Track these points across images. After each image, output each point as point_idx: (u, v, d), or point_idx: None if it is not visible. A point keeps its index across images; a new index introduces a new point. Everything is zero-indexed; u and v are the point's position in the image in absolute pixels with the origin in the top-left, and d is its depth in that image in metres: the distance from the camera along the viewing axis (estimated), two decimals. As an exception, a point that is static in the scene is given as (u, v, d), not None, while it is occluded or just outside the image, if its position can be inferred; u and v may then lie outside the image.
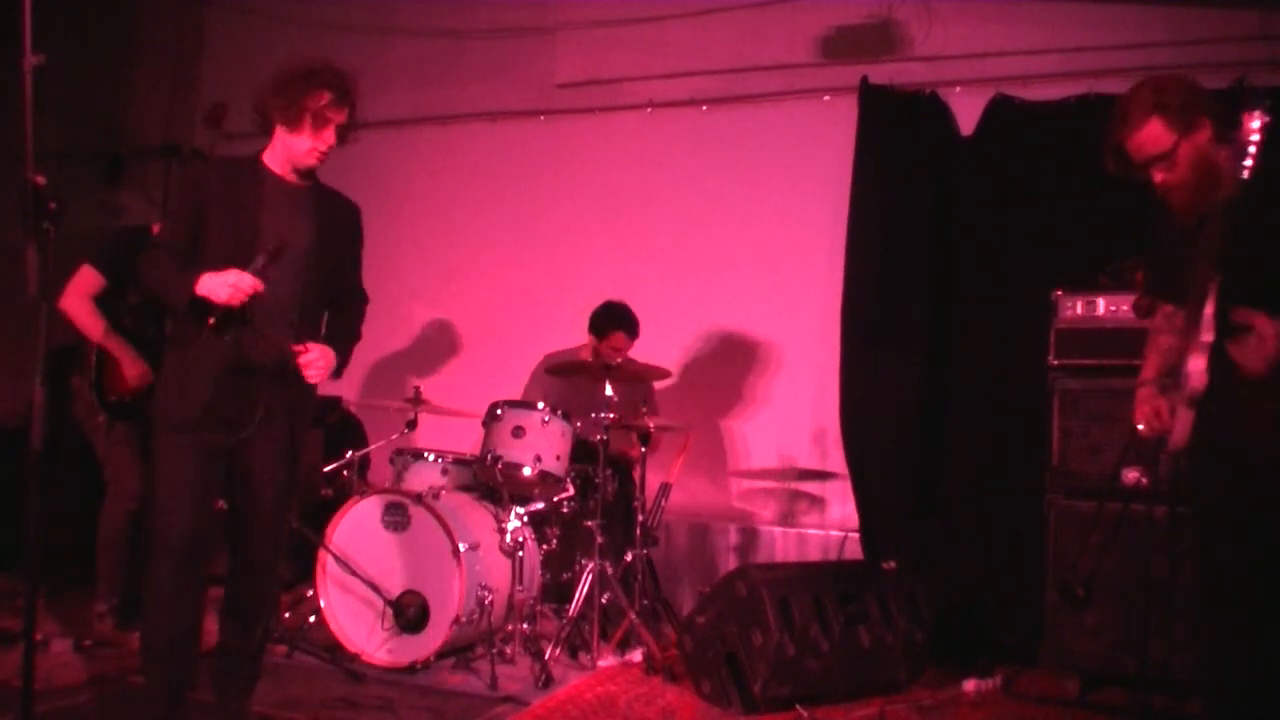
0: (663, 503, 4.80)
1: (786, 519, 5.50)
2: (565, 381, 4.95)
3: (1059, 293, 4.20)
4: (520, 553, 4.23)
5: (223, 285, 2.88)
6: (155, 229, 4.43)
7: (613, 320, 4.99)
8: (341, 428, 5.61)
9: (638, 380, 4.89)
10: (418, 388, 4.76)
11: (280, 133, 3.07)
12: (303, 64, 3.07)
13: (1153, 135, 2.74)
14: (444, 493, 4.32)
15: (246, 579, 3.16)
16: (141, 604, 3.13)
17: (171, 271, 2.98)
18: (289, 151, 3.07)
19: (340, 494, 4.41)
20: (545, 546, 4.51)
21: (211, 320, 2.89)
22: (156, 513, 3.05)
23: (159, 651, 3.03)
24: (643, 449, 4.64)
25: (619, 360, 4.80)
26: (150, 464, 3.13)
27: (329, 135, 3.05)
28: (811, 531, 5.34)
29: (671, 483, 4.92)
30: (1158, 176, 2.76)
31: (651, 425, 4.57)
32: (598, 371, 4.48)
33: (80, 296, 4.14)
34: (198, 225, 3.02)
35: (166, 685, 3.02)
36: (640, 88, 5.78)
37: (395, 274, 6.25)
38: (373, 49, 6.00)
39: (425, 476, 4.52)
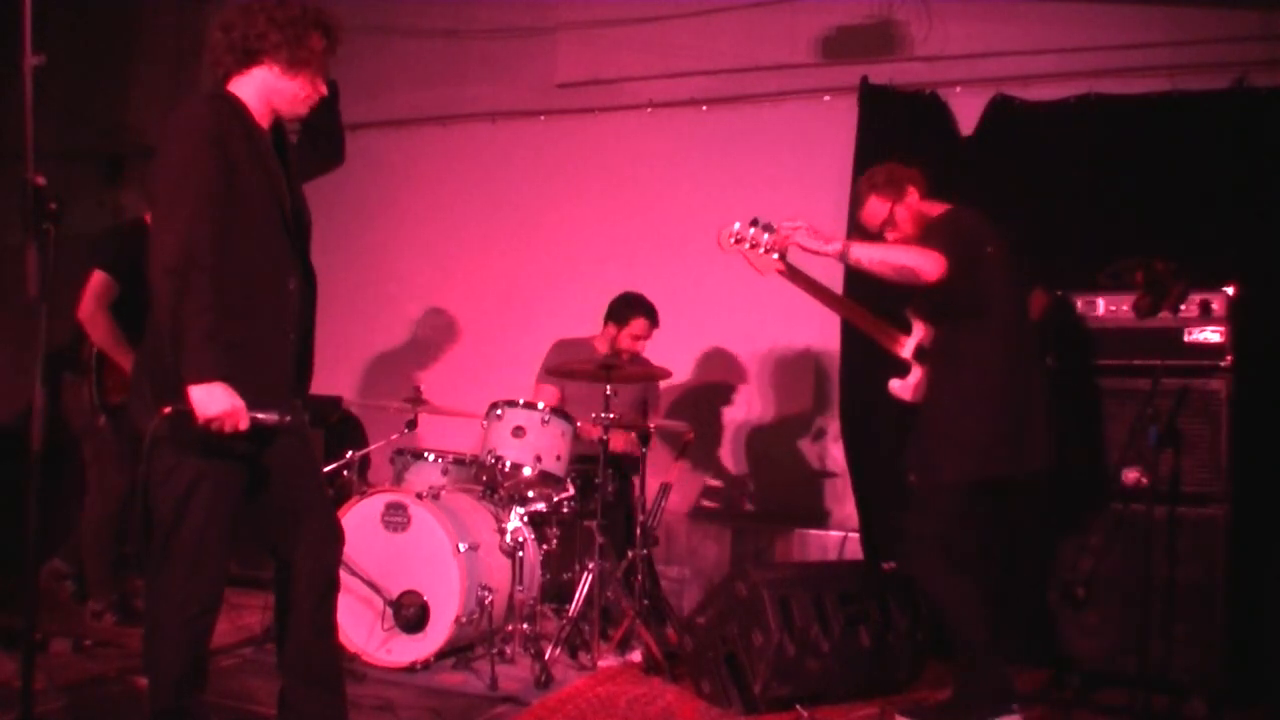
0: (663, 503, 4.80)
1: (787, 519, 5.50)
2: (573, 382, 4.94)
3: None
4: (520, 553, 4.23)
5: (219, 414, 2.45)
6: (148, 218, 4.41)
7: (633, 306, 5.00)
8: (341, 428, 5.61)
9: (641, 381, 4.89)
10: (418, 387, 4.76)
11: (268, 74, 2.65)
12: (295, 1, 2.69)
13: (872, 209, 3.66)
14: (444, 493, 4.32)
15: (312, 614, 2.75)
16: (144, 653, 2.70)
17: (201, 330, 2.43)
18: (277, 97, 2.68)
19: (340, 494, 4.41)
20: (545, 546, 4.51)
21: (168, 409, 2.46)
22: (180, 567, 2.56)
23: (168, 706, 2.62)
24: (643, 450, 4.64)
25: (641, 349, 4.93)
26: (167, 501, 2.58)
27: (322, 85, 2.73)
28: (811, 531, 5.35)
29: (671, 483, 4.91)
30: (890, 238, 3.63)
31: (651, 425, 4.57)
32: (598, 372, 4.48)
33: (97, 306, 4.10)
34: (226, 198, 2.52)
35: None
36: (640, 88, 5.78)
37: (395, 273, 6.27)
38: (373, 49, 6.01)
39: (425, 476, 4.52)
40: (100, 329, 4.11)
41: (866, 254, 3.46)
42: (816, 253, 3.48)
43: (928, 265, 3.35)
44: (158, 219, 2.53)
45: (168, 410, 2.46)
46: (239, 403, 2.48)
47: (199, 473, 2.55)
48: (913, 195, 3.64)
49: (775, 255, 3.58)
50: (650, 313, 5.02)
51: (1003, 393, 3.47)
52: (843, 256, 3.45)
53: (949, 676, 4.01)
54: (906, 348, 3.72)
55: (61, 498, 4.53)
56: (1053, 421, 3.60)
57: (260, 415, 2.53)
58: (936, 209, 3.60)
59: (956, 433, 3.46)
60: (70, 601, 4.22)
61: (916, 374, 3.67)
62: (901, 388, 3.70)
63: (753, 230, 3.58)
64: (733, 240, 3.59)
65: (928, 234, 3.50)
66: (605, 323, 5.09)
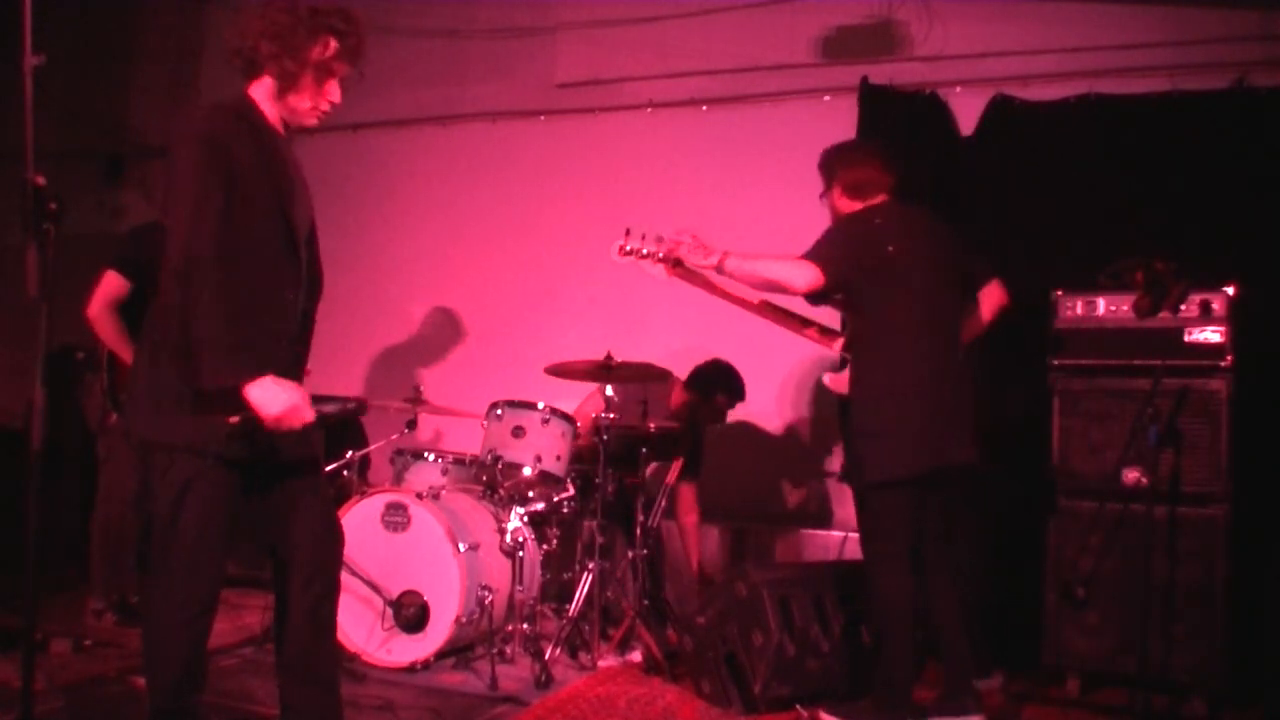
0: (663, 503, 4.80)
1: (787, 519, 5.50)
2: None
3: (1059, 293, 4.19)
4: (520, 553, 4.24)
5: (278, 405, 2.37)
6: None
7: (729, 391, 5.05)
8: (341, 427, 5.61)
9: (643, 381, 4.88)
10: (418, 387, 4.76)
11: (272, 84, 2.61)
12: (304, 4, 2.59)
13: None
14: (444, 493, 4.32)
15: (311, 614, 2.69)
16: (143, 654, 2.66)
17: (219, 337, 2.37)
18: (281, 106, 2.65)
19: (340, 494, 4.41)
20: (545, 546, 4.51)
21: (236, 419, 2.38)
22: (178, 568, 2.52)
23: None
24: (643, 450, 4.64)
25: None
26: (162, 502, 2.53)
27: (334, 91, 2.66)
28: (811, 531, 5.34)
29: (672, 483, 4.91)
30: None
31: (652, 426, 4.57)
32: (598, 372, 4.48)
33: (104, 306, 4.11)
34: (228, 204, 2.46)
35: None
36: (640, 88, 5.78)
37: (396, 273, 6.27)
38: (373, 49, 5.96)
39: (425, 476, 4.52)
40: (107, 328, 4.12)
41: (739, 266, 3.50)
42: (698, 267, 3.52)
43: (797, 277, 3.41)
44: (168, 224, 2.51)
45: (235, 420, 2.37)
46: (291, 391, 2.39)
47: (194, 471, 2.50)
48: (835, 192, 3.70)
49: (670, 263, 3.64)
50: (741, 394, 5.06)
51: (911, 389, 3.42)
52: (719, 269, 3.48)
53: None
54: (838, 344, 3.74)
55: (83, 498, 4.56)
56: (974, 418, 3.58)
57: (326, 409, 2.44)
58: (848, 206, 3.65)
59: (871, 430, 3.45)
60: (116, 629, 4.22)
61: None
62: (834, 381, 3.68)
63: (639, 242, 3.67)
64: (624, 251, 3.69)
65: (824, 237, 3.56)
66: (688, 387, 5.03)
